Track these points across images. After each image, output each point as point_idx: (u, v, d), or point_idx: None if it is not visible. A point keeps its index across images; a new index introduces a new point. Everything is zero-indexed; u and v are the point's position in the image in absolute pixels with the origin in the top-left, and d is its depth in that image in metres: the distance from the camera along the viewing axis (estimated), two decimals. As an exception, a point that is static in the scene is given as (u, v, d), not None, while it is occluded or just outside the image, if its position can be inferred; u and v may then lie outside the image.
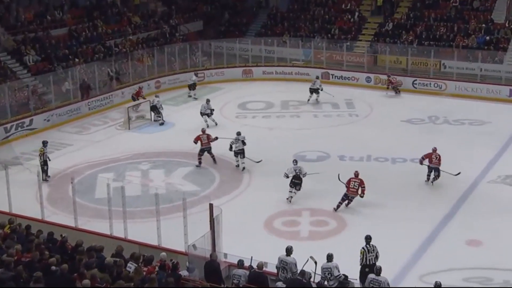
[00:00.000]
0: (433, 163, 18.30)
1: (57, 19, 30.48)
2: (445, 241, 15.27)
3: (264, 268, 11.78)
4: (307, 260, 12.23)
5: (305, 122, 24.88)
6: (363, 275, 12.56)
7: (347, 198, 16.83)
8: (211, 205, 12.92)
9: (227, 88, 30.28)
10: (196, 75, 29.53)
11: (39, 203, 15.78)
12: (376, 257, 12.88)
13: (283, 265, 12.27)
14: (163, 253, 12.17)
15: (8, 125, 23.28)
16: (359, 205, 17.00)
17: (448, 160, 19.10)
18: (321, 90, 27.07)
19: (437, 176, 18.36)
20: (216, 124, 23.96)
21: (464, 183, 18.51)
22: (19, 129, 23.20)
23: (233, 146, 19.88)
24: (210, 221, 12.91)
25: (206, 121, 23.82)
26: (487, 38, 31.02)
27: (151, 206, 14.30)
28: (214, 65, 32.31)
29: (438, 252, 14.71)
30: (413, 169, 19.32)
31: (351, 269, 12.57)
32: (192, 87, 28.53)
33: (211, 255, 12.31)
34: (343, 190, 16.96)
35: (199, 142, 20.35)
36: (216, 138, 20.56)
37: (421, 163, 18.55)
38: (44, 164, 19.11)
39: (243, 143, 19.93)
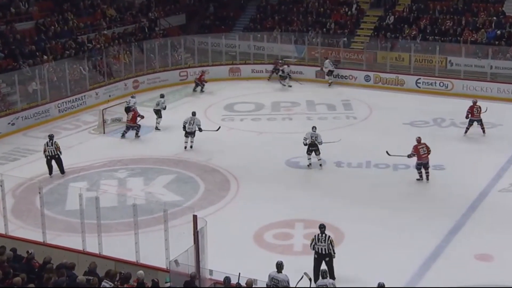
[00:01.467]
0: (474, 116, 22.58)
1: (22, 11, 30.25)
2: (452, 256, 15.21)
3: (253, 286, 11.76)
4: (302, 277, 12.20)
5: (298, 125, 24.79)
6: (316, 264, 13.62)
7: (423, 166, 18.71)
8: (195, 217, 12.86)
9: (212, 88, 30.18)
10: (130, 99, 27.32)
11: (3, 216, 15.60)
12: (329, 249, 13.66)
13: (274, 283, 12.26)
14: (141, 271, 12.17)
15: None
16: (357, 216, 17.02)
17: (455, 166, 19.19)
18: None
19: (483, 130, 22.79)
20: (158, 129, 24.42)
21: (473, 191, 18.52)
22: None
23: (186, 125, 21.93)
24: (194, 234, 12.85)
25: (158, 123, 24.58)
26: (498, 32, 31.19)
27: (129, 218, 14.25)
28: (198, 63, 32.35)
29: (445, 268, 14.65)
30: (416, 176, 19.34)
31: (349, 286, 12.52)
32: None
33: (191, 275, 12.33)
34: (342, 199, 16.89)
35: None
36: (142, 117, 23.31)
37: (467, 117, 22.53)
38: (50, 160, 19.99)
39: (199, 129, 22.12)
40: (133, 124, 23.43)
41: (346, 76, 30.94)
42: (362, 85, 30.16)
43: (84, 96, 27.71)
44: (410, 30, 32.89)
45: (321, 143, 19.79)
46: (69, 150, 22.46)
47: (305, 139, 19.98)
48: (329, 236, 13.89)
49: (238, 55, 33.06)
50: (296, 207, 17.74)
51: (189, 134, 22.08)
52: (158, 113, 24.79)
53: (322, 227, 14.01)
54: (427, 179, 18.78)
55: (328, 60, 28.58)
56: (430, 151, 18.67)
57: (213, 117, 25.99)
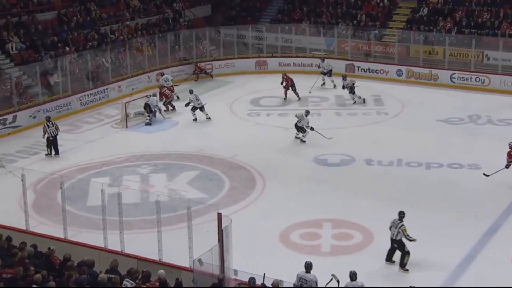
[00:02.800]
0: None
1: (44, 1, 30.50)
2: (488, 259, 15.06)
3: (279, 287, 11.74)
4: (331, 279, 12.24)
5: (327, 121, 24.78)
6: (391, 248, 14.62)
7: None
8: (219, 215, 12.84)
9: (238, 81, 30.30)
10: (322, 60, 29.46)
11: (23, 212, 15.70)
12: (399, 236, 14.37)
13: (302, 283, 12.29)
14: (161, 271, 12.18)
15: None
16: (388, 216, 16.55)
17: (491, 166, 19.01)
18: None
19: None
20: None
21: (510, 193, 18.33)
22: (1, 126, 23.27)
23: (194, 102, 24.09)
24: (218, 232, 12.84)
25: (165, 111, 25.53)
26: (538, 25, 30.82)
27: (152, 215, 14.23)
28: (224, 56, 32.38)
29: (480, 272, 14.56)
30: (450, 175, 19.24)
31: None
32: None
33: (218, 277, 12.33)
34: (372, 198, 16.99)
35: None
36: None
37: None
38: (49, 142, 21.34)
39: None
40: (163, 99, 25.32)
41: (377, 70, 30.73)
42: (393, 80, 29.99)
43: (107, 89, 27.89)
44: (445, 22, 32.56)
45: (303, 128, 21.67)
46: (91, 144, 22.77)
47: (296, 116, 22.19)
48: (402, 225, 14.45)
49: (265, 48, 33.01)
50: (324, 206, 17.73)
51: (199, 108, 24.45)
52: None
53: (401, 214, 14.64)
54: None
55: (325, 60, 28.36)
56: None
57: (239, 111, 26.02)
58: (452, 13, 32.88)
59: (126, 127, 24.61)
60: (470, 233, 16.14)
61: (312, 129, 21.91)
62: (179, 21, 34.59)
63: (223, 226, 12.84)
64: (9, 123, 24.12)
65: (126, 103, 24.94)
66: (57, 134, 21.57)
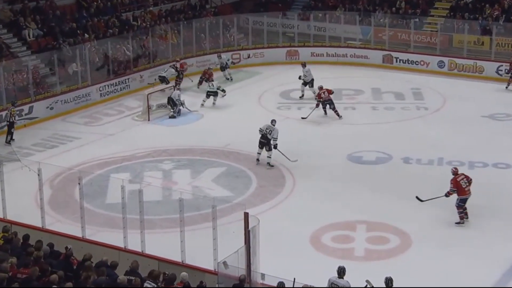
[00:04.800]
0: None
1: (62, -15, 30.66)
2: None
3: (310, 293, 11.66)
4: (365, 286, 12.24)
5: (362, 115, 24.70)
6: None
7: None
8: (246, 215, 12.83)
9: (267, 72, 30.24)
10: (219, 56, 29.55)
11: (39, 208, 15.79)
12: None
13: (333, 289, 12.27)
14: (184, 273, 12.19)
15: (3, 113, 23.35)
16: (427, 219, 16.87)
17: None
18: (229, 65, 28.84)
19: None
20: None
21: None
22: (17, 118, 23.33)
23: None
24: (245, 233, 12.85)
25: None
26: None
27: (174, 214, 14.30)
28: (252, 45, 32.38)
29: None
30: (495, 176, 19.05)
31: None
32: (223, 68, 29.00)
33: (240, 277, 12.35)
34: (410, 200, 16.91)
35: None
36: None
37: None
38: (11, 125, 22.22)
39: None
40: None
41: (417, 61, 30.51)
42: (435, 72, 29.70)
43: (128, 79, 27.95)
44: (492, 10, 32.18)
45: (275, 140, 19.88)
46: (111, 138, 22.86)
47: (260, 130, 20.13)
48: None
49: (296, 37, 32.86)
50: (358, 207, 17.58)
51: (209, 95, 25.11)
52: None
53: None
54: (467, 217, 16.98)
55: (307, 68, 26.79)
56: (471, 181, 16.62)
57: (268, 105, 25.94)
58: (500, 0, 32.41)
59: (148, 120, 24.66)
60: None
61: (275, 147, 20.22)
62: (205, 7, 34.69)
63: (250, 226, 12.82)
64: (25, 114, 24.25)
65: (148, 94, 24.93)
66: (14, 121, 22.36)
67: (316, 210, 17.47)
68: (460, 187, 16.37)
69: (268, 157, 20.07)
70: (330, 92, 23.76)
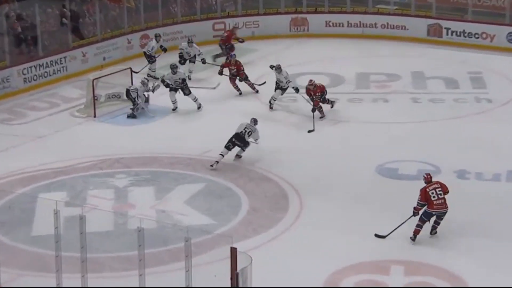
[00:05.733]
0: None
1: None
2: None
3: None
4: None
5: (398, 110, 22.16)
6: None
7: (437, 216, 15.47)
8: (234, 251, 11.46)
9: (264, 49, 27.35)
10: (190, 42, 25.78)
11: None
12: None
13: None
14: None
15: None
16: (490, 257, 14.74)
17: None
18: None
19: None
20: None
21: None
22: None
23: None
24: (232, 278, 11.47)
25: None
26: None
27: (131, 251, 12.81)
28: (243, 10, 29.12)
29: None
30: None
31: None
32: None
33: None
34: (465, 230, 15.23)
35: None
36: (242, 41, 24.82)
37: None
38: None
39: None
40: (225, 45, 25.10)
41: (477, 34, 27.03)
42: (502, 49, 26.53)
43: (64, 58, 24.75)
44: None
45: (256, 141, 18.84)
46: (40, 142, 20.64)
47: (238, 129, 19.26)
48: None
49: (304, -1, 30.56)
50: (393, 241, 15.28)
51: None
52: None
53: None
54: (432, 232, 15.70)
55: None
56: (447, 191, 15.32)
57: (265, 96, 23.11)
58: None
59: (94, 116, 21.93)
60: None
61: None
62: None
63: (238, 268, 11.66)
64: None
65: (94, 79, 22.23)
66: None
67: (333, 244, 15.42)
68: (429, 199, 15.28)
69: (237, 155, 19.26)
70: (322, 88, 21.60)
